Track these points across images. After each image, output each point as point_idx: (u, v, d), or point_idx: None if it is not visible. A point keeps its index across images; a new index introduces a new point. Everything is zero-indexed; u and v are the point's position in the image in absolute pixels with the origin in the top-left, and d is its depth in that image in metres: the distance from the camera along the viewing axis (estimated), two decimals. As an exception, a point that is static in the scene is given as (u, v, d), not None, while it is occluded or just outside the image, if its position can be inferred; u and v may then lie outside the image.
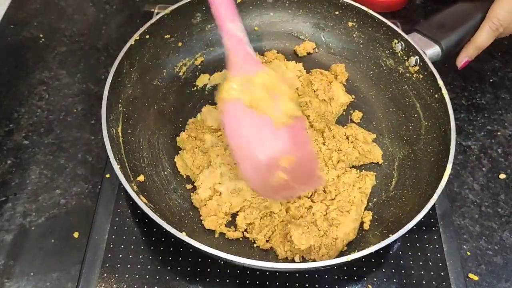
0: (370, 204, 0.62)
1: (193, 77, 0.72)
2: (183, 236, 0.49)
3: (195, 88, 0.71)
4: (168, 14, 0.67)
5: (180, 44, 0.71)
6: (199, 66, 0.73)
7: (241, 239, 0.57)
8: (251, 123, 0.49)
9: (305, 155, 0.52)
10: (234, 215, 0.59)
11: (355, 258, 0.49)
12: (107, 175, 0.62)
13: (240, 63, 0.50)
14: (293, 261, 0.55)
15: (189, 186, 0.61)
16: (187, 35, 0.71)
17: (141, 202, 0.50)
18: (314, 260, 0.54)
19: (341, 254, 0.56)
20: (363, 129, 0.67)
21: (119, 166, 0.52)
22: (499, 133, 0.75)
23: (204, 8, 0.70)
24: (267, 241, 0.57)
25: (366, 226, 0.59)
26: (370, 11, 0.71)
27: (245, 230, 0.58)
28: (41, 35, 0.80)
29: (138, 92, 0.65)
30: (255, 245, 0.57)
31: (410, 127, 0.67)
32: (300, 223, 0.55)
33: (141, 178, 0.57)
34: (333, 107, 0.69)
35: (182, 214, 0.58)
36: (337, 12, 0.74)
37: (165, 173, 0.62)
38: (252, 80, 0.49)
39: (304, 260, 0.55)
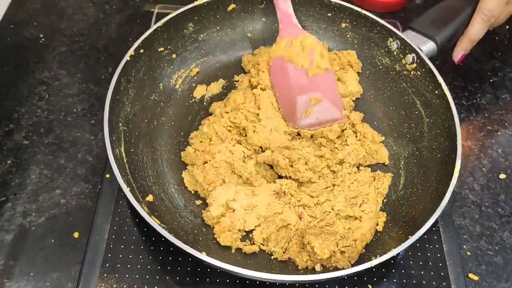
0: (381, 205, 0.61)
1: (190, 89, 0.71)
2: (204, 256, 0.48)
3: (193, 100, 0.70)
4: (161, 26, 0.65)
5: (174, 56, 0.70)
6: (195, 77, 0.72)
7: (257, 252, 0.56)
8: (289, 72, 0.63)
9: (332, 98, 0.64)
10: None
11: (378, 263, 0.49)
12: (107, 175, 0.62)
13: (285, 30, 0.65)
14: (313, 269, 0.54)
15: (198, 202, 0.60)
16: (181, 46, 0.70)
17: (156, 225, 0.49)
18: (335, 267, 0.53)
19: (360, 257, 0.55)
20: (372, 129, 0.67)
21: (129, 189, 0.51)
22: (499, 133, 0.75)
23: (196, 17, 0.69)
24: (283, 252, 0.56)
25: (379, 227, 0.58)
26: (364, 11, 0.70)
27: (261, 243, 0.57)
28: (41, 35, 0.80)
29: (137, 108, 0.63)
30: (272, 257, 0.56)
31: (412, 125, 0.67)
32: (317, 232, 0.55)
33: (150, 198, 0.56)
34: (341, 92, 0.68)
35: (195, 231, 0.57)
36: (329, 14, 0.73)
37: (172, 190, 0.60)
38: (293, 42, 0.64)
39: (324, 268, 0.54)
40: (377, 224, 0.58)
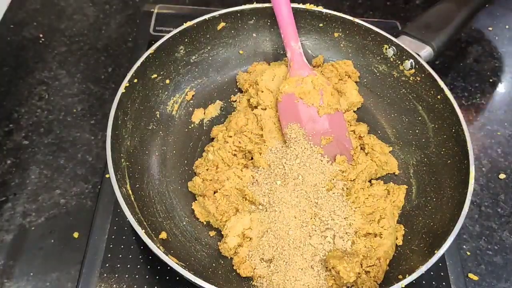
0: (397, 217, 0.60)
1: (188, 114, 0.68)
2: None
3: (192, 125, 0.68)
4: (152, 53, 0.63)
5: (167, 81, 0.67)
6: (191, 101, 0.70)
7: None
8: (300, 109, 0.62)
9: (341, 139, 0.63)
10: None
11: (409, 283, 0.49)
12: (107, 175, 0.62)
13: (296, 69, 0.64)
14: None
15: (212, 233, 0.58)
16: (173, 71, 0.68)
17: (175, 264, 0.47)
18: None
19: (385, 275, 0.54)
20: (379, 140, 0.66)
21: (143, 231, 0.49)
22: (499, 133, 0.76)
23: (186, 40, 0.67)
24: None
25: (399, 241, 0.57)
26: (356, 20, 0.69)
27: None
28: (41, 35, 0.80)
29: (136, 141, 0.61)
30: None
31: (417, 131, 0.66)
32: (340, 254, 0.54)
33: (163, 235, 0.54)
34: (342, 105, 0.67)
35: (213, 264, 0.55)
36: (321, 25, 0.72)
37: (184, 223, 0.58)
38: (303, 79, 0.63)
39: None
40: (397, 238, 0.57)
